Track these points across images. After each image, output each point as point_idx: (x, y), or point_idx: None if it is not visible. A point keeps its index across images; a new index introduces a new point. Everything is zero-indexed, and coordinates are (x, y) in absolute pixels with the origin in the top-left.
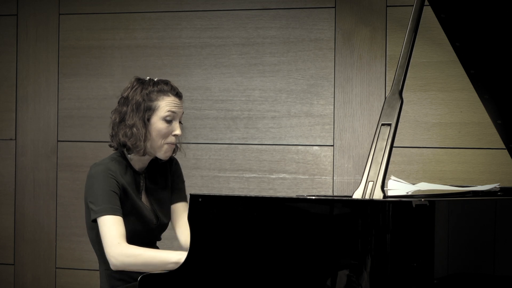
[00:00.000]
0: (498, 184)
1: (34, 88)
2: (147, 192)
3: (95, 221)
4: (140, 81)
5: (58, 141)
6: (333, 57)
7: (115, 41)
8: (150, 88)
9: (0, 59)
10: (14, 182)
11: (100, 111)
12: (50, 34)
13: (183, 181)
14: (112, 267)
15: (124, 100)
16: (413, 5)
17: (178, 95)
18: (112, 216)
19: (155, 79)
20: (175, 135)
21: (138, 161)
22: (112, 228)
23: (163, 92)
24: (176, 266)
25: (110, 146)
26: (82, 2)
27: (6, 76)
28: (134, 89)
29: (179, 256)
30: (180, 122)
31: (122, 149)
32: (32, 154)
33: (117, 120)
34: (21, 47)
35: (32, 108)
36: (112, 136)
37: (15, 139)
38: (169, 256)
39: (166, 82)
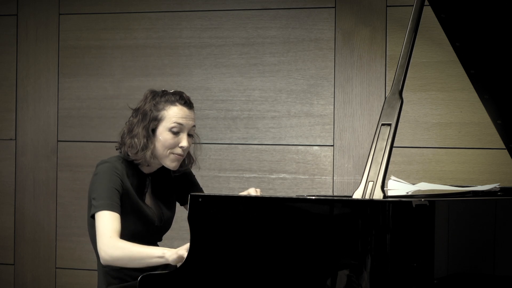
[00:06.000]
0: (498, 184)
1: (34, 88)
2: (153, 193)
3: (93, 217)
4: (153, 93)
5: (58, 141)
6: (333, 57)
7: (115, 41)
8: (158, 98)
9: (0, 59)
10: (14, 182)
11: (100, 111)
12: (50, 34)
13: (193, 176)
14: (101, 261)
15: (135, 112)
16: (413, 5)
17: (187, 104)
18: (109, 211)
19: (170, 91)
20: (181, 147)
21: (147, 167)
22: (107, 222)
23: (170, 102)
24: (161, 261)
25: (117, 149)
26: (82, 2)
27: (6, 76)
28: (145, 101)
29: (163, 251)
30: (189, 135)
31: (131, 160)
32: (32, 154)
33: (126, 131)
34: (21, 47)
35: (32, 108)
36: (119, 146)
37: (15, 139)
38: (152, 251)
39: (176, 93)
